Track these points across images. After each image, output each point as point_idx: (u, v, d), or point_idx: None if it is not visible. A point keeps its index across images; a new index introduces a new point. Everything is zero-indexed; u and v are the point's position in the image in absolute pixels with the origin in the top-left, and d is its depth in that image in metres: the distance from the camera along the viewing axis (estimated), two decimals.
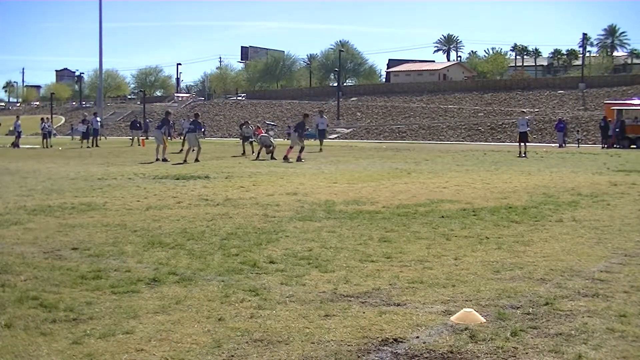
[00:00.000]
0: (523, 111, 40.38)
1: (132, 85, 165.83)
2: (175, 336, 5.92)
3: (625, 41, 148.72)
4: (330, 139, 70.30)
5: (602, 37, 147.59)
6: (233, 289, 7.49)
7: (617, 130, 51.88)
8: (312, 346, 5.70)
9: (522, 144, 38.01)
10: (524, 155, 36.28)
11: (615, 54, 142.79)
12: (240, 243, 10.28)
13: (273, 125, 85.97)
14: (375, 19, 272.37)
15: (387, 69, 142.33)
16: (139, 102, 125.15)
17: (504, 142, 66.51)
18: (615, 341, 5.85)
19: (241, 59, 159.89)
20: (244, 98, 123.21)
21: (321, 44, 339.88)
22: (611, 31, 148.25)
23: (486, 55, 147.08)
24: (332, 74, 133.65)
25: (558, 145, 54.39)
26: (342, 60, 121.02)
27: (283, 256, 9.32)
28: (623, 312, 6.68)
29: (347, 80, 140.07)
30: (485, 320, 6.38)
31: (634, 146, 49.78)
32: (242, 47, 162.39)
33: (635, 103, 57.19)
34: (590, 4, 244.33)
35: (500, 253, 9.65)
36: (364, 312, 6.69)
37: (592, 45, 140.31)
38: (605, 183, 19.78)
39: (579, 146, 54.34)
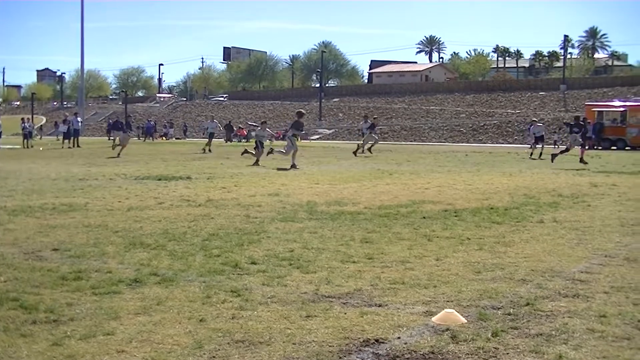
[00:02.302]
0: (534, 120, 40.63)
1: (114, 86, 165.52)
2: (157, 337, 5.90)
3: (606, 43, 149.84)
4: (311, 139, 70.37)
5: (583, 39, 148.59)
6: (214, 290, 7.47)
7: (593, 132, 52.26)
8: (294, 347, 5.70)
9: (539, 145, 38.07)
10: (537, 157, 35.95)
11: (596, 55, 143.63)
12: (221, 244, 10.25)
13: (255, 125, 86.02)
14: (358, 20, 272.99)
15: (370, 70, 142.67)
16: (120, 103, 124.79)
17: (485, 143, 66.74)
18: (595, 341, 5.87)
19: (224, 60, 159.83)
20: (225, 99, 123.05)
21: (304, 44, 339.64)
22: (592, 33, 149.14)
23: (468, 56, 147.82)
24: (315, 75, 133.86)
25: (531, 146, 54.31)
26: (325, 61, 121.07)
27: (265, 257, 9.30)
28: (603, 312, 6.71)
29: (330, 81, 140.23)
30: (466, 321, 6.39)
31: (614, 147, 50.07)
32: (224, 47, 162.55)
33: (615, 105, 57.51)
34: (572, 6, 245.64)
35: (482, 254, 9.67)
36: (345, 313, 6.69)
37: (573, 47, 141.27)
38: (586, 184, 19.88)
39: (556, 147, 54.58)
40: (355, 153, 37.89)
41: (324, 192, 17.64)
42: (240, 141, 68.86)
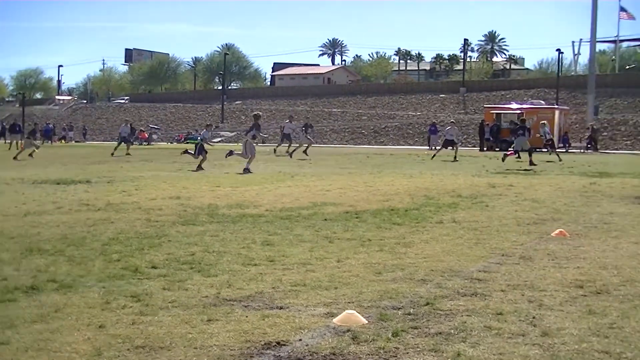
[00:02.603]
0: (452, 122, 40.86)
1: (11, 88, 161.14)
2: (54, 345, 5.78)
3: (504, 47, 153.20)
4: (214, 142, 69.95)
5: (482, 43, 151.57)
6: (114, 295, 7.38)
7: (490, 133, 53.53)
8: (195, 351, 5.67)
9: (449, 148, 38.29)
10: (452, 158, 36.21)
11: (494, 59, 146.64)
12: (121, 248, 10.12)
13: (157, 128, 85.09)
14: (261, 22, 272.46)
15: (272, 72, 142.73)
16: (17, 105, 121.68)
17: (387, 145, 67.45)
18: (492, 339, 6.01)
19: (125, 62, 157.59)
20: (127, 101, 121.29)
21: (206, 47, 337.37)
22: (491, 37, 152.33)
23: (370, 59, 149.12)
24: (217, 77, 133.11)
25: (430, 148, 55.36)
26: (227, 64, 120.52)
27: (165, 261, 9.22)
28: (500, 310, 6.87)
29: (232, 84, 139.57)
30: (367, 322, 6.45)
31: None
32: (126, 49, 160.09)
33: (513, 107, 58.83)
34: (472, 10, 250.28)
35: (382, 255, 9.78)
36: (247, 316, 6.68)
37: (472, 50, 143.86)
38: (484, 185, 20.27)
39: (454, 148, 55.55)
40: (291, 155, 38.24)
41: (225, 194, 17.57)
42: (141, 144, 67.85)
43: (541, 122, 42.07)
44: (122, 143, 43.01)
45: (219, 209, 14.59)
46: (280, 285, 7.94)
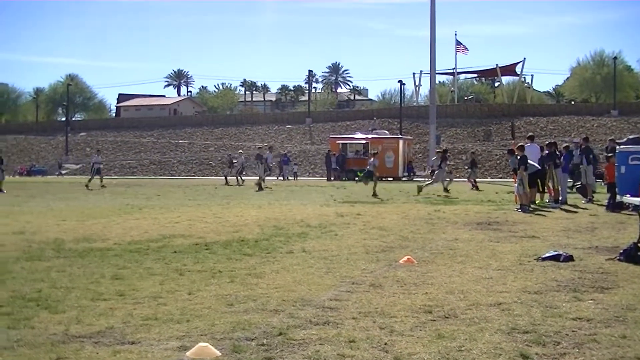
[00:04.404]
0: (375, 152, 40.53)
1: None
2: None
3: (348, 78, 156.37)
4: (58, 174, 68.24)
5: (326, 74, 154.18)
6: None
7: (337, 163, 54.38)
8: None
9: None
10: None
11: (339, 90, 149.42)
12: None
13: None
14: (105, 53, 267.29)
15: (117, 103, 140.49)
16: None
17: (234, 176, 67.39)
18: None
19: None
20: None
21: (49, 77, 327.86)
22: (335, 69, 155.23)
23: (216, 90, 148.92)
24: (61, 109, 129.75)
25: (282, 178, 56.05)
26: (71, 94, 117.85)
27: (10, 298, 8.89)
28: (352, 337, 6.97)
29: (76, 115, 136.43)
30: (220, 354, 6.42)
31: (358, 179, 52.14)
32: None
33: (358, 137, 59.93)
34: (316, 41, 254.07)
35: (234, 286, 9.76)
36: (97, 353, 6.53)
37: (317, 81, 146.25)
38: (333, 214, 20.52)
39: (295, 179, 56.48)
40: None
41: (71, 228, 17.12)
42: None
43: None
44: None
45: (66, 244, 14.22)
46: (131, 319, 7.79)
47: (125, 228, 17.22)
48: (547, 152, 25.13)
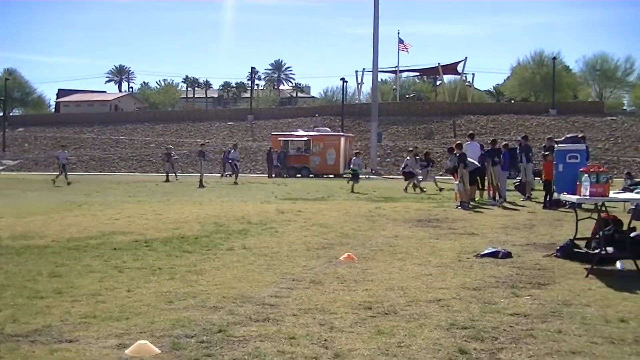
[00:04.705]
0: (358, 152, 40.22)
1: None
2: None
3: (290, 75, 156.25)
4: None
5: (269, 71, 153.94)
6: None
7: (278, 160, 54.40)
8: None
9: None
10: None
11: (281, 87, 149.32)
12: None
13: None
14: (45, 48, 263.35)
15: (57, 99, 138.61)
16: None
17: (177, 172, 66.96)
18: None
19: None
20: None
21: None
22: (277, 66, 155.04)
23: (158, 86, 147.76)
24: None
25: (223, 175, 56.07)
26: (9, 89, 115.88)
27: None
28: (292, 334, 6.98)
29: (14, 110, 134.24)
30: (160, 351, 6.39)
31: (299, 175, 52.18)
32: None
33: (300, 134, 59.94)
34: (258, 38, 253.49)
35: (174, 283, 9.71)
36: (34, 352, 6.44)
37: (260, 78, 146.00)
38: (273, 211, 20.52)
39: (234, 175, 56.40)
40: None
41: (8, 225, 16.87)
42: None
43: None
44: None
45: (2, 241, 14.02)
46: (69, 317, 7.71)
47: (63, 225, 17.02)
48: (487, 149, 25.44)
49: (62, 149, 46.48)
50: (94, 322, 7.53)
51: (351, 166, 36.40)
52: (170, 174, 44.63)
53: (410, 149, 41.18)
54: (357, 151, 39.49)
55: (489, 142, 26.84)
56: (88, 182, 42.29)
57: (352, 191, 30.43)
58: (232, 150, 46.26)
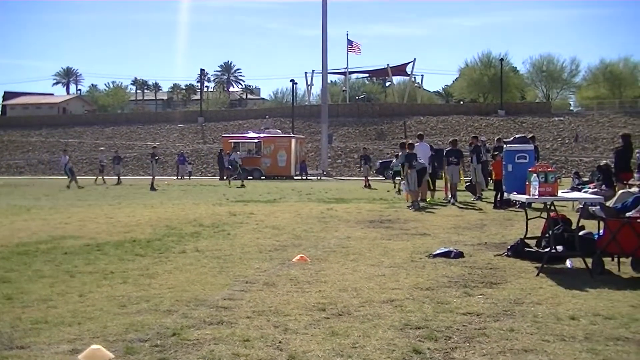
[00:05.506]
0: (235, 148, 40.18)
1: None
2: None
3: (240, 77, 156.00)
4: None
5: (218, 73, 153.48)
6: None
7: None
8: None
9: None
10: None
11: (231, 89, 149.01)
12: None
13: None
14: None
15: (3, 101, 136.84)
16: None
17: (126, 175, 66.48)
18: None
19: None
20: None
21: None
22: (227, 68, 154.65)
23: (107, 88, 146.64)
24: None
25: (179, 177, 56.09)
26: None
27: None
28: (246, 336, 6.97)
29: None
30: (113, 356, 6.34)
31: (251, 177, 52.08)
32: None
33: (251, 136, 59.86)
34: (207, 40, 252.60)
35: (126, 287, 9.63)
36: None
37: (209, 80, 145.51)
38: (225, 213, 20.45)
39: (189, 178, 56.39)
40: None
41: None
42: None
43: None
44: None
45: None
46: (19, 323, 7.61)
47: (12, 229, 16.80)
48: (448, 149, 25.66)
49: (64, 153, 45.85)
50: (46, 327, 7.44)
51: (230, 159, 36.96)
52: (122, 178, 44.19)
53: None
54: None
55: (447, 142, 27.07)
56: (37, 186, 41.80)
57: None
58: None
